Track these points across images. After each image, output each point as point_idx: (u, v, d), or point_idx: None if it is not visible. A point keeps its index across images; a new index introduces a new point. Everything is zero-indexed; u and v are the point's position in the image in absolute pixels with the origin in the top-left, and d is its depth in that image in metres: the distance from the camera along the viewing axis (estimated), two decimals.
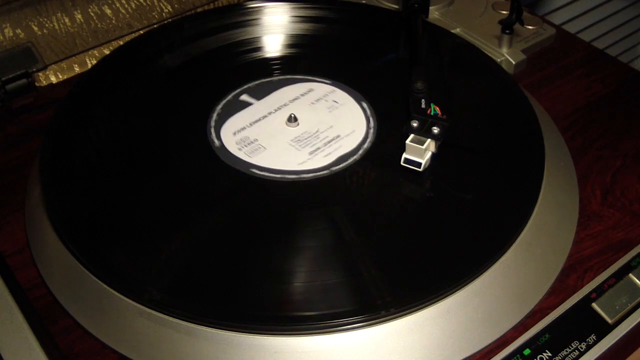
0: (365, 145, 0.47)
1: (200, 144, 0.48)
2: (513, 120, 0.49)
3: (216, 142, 0.47)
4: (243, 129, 0.48)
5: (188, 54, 0.56)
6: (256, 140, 0.47)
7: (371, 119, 0.49)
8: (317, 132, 0.48)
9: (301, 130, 0.49)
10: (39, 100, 0.57)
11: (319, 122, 0.49)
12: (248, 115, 0.50)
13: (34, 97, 0.58)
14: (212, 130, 0.48)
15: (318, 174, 0.45)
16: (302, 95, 0.51)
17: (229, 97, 0.51)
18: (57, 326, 0.40)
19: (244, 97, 0.51)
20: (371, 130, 0.48)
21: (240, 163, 0.46)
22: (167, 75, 0.54)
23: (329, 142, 0.47)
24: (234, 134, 0.48)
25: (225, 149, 0.47)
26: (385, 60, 0.56)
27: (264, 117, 0.50)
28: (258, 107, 0.51)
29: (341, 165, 0.46)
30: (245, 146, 0.47)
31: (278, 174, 0.45)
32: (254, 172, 0.45)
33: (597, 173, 0.48)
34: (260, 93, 0.52)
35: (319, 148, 0.47)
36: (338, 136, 0.47)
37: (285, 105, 0.51)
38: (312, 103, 0.50)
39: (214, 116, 0.49)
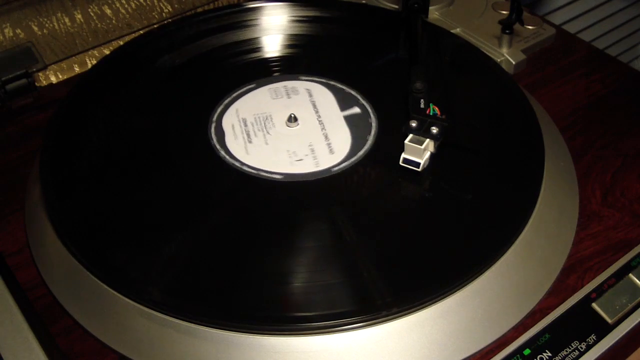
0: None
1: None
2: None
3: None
4: (276, 89, 0.53)
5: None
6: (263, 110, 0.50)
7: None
8: (267, 123, 0.49)
9: (272, 124, 0.49)
10: (39, 100, 0.57)
11: (291, 136, 0.48)
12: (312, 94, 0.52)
13: (34, 97, 0.58)
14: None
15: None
16: (348, 132, 0.49)
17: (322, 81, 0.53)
18: (57, 326, 0.40)
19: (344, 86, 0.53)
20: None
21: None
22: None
23: (251, 133, 0.48)
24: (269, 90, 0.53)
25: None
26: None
27: (302, 102, 0.51)
28: (328, 99, 0.52)
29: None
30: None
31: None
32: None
33: (597, 173, 0.48)
34: (344, 101, 0.51)
35: (247, 134, 0.48)
36: (270, 128, 0.48)
37: (318, 116, 0.50)
38: (324, 130, 0.49)
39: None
